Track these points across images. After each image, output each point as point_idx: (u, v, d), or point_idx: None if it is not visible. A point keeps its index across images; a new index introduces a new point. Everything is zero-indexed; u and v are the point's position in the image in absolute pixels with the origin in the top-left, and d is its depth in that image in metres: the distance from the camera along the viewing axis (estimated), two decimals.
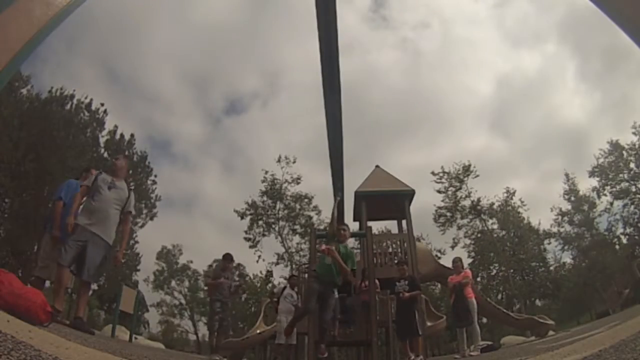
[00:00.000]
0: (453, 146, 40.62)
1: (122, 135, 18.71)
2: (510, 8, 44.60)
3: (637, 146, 22.29)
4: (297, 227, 25.38)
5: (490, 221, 26.17)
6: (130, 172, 18.72)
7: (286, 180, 25.40)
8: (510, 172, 40.26)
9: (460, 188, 25.45)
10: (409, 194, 9.16)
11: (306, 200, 25.56)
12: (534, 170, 40.18)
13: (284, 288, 6.99)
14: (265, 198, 25.41)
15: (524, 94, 42.24)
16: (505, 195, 26.33)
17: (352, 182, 9.46)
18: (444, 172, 25.46)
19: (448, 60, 44.14)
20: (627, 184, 22.81)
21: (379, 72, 44.90)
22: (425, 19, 49.72)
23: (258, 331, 11.61)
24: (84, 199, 3.70)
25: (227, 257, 5.74)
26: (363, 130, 40.70)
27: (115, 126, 18.59)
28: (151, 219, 20.99)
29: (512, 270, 25.08)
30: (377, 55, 45.30)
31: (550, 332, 9.03)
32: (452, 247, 26.18)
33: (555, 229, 25.86)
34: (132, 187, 3.54)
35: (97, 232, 3.50)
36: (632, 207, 22.43)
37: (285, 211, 25.43)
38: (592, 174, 23.84)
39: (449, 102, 42.64)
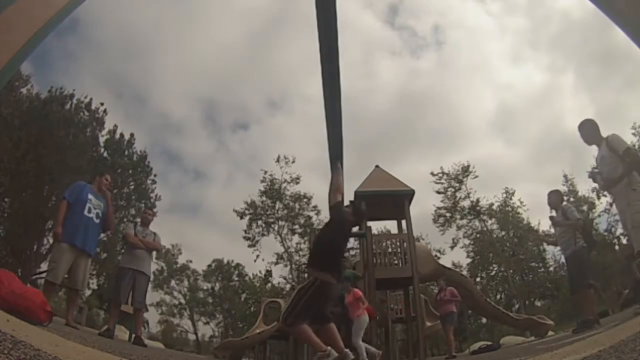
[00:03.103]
0: (454, 151, 40.91)
1: (122, 135, 18.69)
2: (513, 17, 44.63)
3: (637, 146, 22.30)
4: (296, 227, 25.41)
5: (490, 221, 26.21)
6: (130, 171, 18.72)
7: (285, 180, 25.44)
8: (510, 174, 40.33)
9: (460, 188, 25.49)
10: (409, 194, 9.16)
11: (305, 200, 25.60)
12: (535, 171, 40.24)
13: None
14: (264, 198, 25.44)
15: (525, 97, 42.43)
16: (505, 195, 26.39)
17: (353, 183, 9.48)
18: (443, 173, 25.52)
19: (451, 69, 44.24)
20: None
21: (382, 81, 45.19)
22: (429, 28, 50.04)
23: (258, 331, 11.59)
24: None
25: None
26: (365, 137, 40.88)
27: (115, 125, 18.57)
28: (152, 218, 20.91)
29: (511, 271, 25.10)
30: (380, 64, 45.52)
31: (550, 332, 9.04)
32: (452, 248, 26.25)
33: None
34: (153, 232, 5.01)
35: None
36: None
37: (285, 211, 25.45)
38: (591, 174, 23.83)
39: (452, 111, 42.73)
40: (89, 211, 3.97)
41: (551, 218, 4.79)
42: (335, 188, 3.15)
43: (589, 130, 3.84)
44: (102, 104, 17.73)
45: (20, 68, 11.18)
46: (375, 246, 8.42)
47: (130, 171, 18.74)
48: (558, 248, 5.12)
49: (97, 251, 18.24)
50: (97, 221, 4.07)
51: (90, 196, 4.04)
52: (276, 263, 25.68)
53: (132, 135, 19.08)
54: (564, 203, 4.88)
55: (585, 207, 24.73)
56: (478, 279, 25.68)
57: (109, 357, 1.88)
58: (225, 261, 32.92)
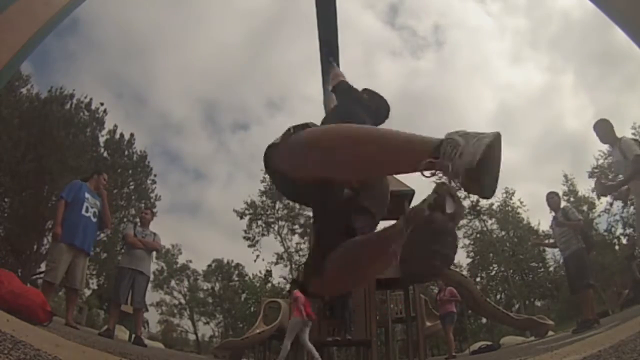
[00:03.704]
0: None
1: (122, 135, 18.69)
2: (513, 17, 44.56)
3: None
4: (296, 227, 25.41)
5: (490, 221, 26.22)
6: (130, 171, 18.72)
7: None
8: (510, 174, 40.26)
9: (460, 189, 25.48)
10: (409, 194, 9.15)
11: None
12: (535, 171, 40.29)
13: None
14: (264, 198, 25.46)
15: (525, 97, 42.43)
16: (505, 195, 26.40)
17: None
18: None
19: (451, 69, 44.12)
20: None
21: (382, 81, 45.11)
22: (430, 28, 50.02)
23: (258, 331, 11.58)
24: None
25: None
26: None
27: (115, 125, 18.56)
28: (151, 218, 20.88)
29: (511, 271, 25.10)
30: (380, 64, 45.47)
31: (550, 332, 9.03)
32: None
33: None
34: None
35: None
36: (632, 207, 22.41)
37: (285, 211, 25.46)
38: (591, 174, 23.86)
39: (453, 111, 42.68)
40: (87, 210, 3.98)
41: (554, 218, 4.85)
42: (334, 75, 2.27)
43: (603, 130, 3.94)
44: (102, 104, 17.75)
45: (20, 68, 11.18)
46: None
47: (130, 171, 18.73)
48: (557, 249, 5.18)
49: (96, 251, 18.30)
50: (95, 220, 4.09)
51: (87, 195, 4.05)
52: (276, 263, 25.73)
53: (132, 135, 19.07)
54: (564, 204, 4.95)
55: (585, 207, 24.74)
56: (478, 279, 25.66)
57: (109, 357, 1.88)
58: (225, 261, 32.91)
